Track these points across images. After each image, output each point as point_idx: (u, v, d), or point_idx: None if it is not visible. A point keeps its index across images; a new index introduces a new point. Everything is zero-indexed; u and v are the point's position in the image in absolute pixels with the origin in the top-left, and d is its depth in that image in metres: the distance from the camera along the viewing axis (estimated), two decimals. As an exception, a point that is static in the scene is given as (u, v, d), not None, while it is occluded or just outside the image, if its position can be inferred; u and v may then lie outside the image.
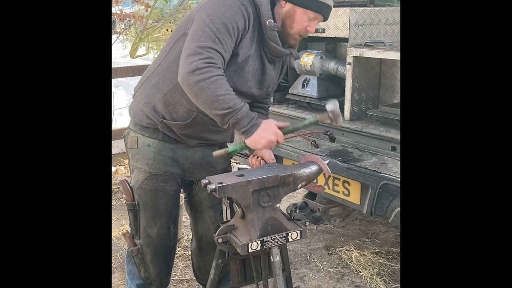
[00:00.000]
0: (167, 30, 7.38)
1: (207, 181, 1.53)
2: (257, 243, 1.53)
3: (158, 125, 1.76)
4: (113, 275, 2.69)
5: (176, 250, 2.83)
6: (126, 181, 1.87)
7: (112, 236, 3.15)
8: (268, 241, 1.55)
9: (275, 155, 2.51)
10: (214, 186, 1.50)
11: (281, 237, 1.57)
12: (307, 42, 2.78)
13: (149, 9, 6.85)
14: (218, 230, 1.61)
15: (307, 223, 1.66)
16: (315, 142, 2.39)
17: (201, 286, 2.22)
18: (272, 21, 1.64)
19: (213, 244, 1.76)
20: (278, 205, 1.61)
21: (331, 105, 1.64)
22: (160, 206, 1.83)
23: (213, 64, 1.51)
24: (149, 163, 1.79)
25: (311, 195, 2.61)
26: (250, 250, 1.53)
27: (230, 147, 1.74)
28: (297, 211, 1.70)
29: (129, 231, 1.92)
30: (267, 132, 1.58)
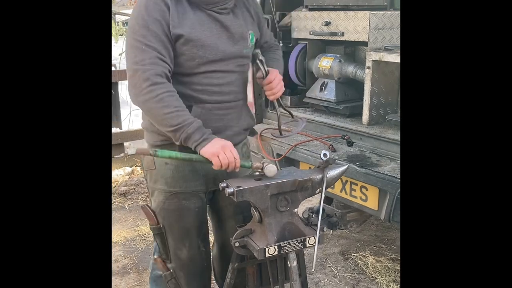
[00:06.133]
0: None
1: (225, 184, 1.53)
2: (274, 247, 1.52)
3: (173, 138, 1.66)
4: (127, 276, 2.71)
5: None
6: (147, 205, 1.79)
7: (127, 237, 3.17)
8: (285, 246, 1.54)
9: (291, 159, 2.52)
10: (232, 190, 1.49)
11: (298, 242, 1.56)
12: (326, 46, 2.76)
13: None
14: (235, 234, 1.60)
15: (325, 229, 1.64)
16: (332, 146, 2.37)
17: None
18: None
19: (230, 253, 1.74)
20: (296, 210, 1.60)
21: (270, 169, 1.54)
22: (186, 226, 1.74)
23: (153, 78, 1.49)
24: (168, 182, 1.70)
25: (327, 200, 2.59)
26: (267, 255, 1.52)
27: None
28: (313, 216, 1.67)
29: (160, 256, 1.84)
30: (223, 149, 1.53)
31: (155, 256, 1.86)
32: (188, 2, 1.58)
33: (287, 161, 2.48)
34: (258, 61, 1.68)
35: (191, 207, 1.73)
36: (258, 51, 1.71)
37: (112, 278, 2.64)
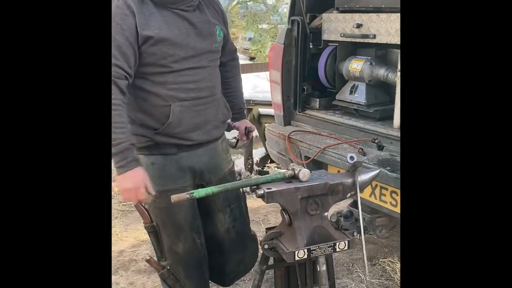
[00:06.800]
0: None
1: (256, 186, 1.53)
2: (303, 251, 1.51)
3: (155, 139, 1.71)
4: (154, 274, 2.73)
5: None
6: (141, 204, 1.78)
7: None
8: (315, 250, 1.52)
9: (319, 162, 2.50)
10: (262, 192, 1.49)
11: (328, 247, 1.54)
12: (357, 48, 2.73)
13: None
14: (265, 236, 1.60)
15: (355, 234, 1.62)
16: (362, 149, 2.34)
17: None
18: None
19: (219, 246, 1.85)
20: (326, 213, 1.58)
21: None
22: (179, 221, 1.78)
23: (114, 89, 1.54)
24: (156, 181, 1.71)
25: (355, 204, 2.55)
26: (296, 258, 1.51)
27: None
28: (342, 220, 1.66)
29: (152, 257, 1.86)
30: (129, 181, 1.58)
31: (148, 258, 1.85)
32: (153, 3, 1.62)
33: (315, 164, 2.46)
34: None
35: (182, 203, 1.72)
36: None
37: (139, 276, 2.68)
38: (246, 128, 2.00)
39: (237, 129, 2.04)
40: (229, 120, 1.98)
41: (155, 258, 1.87)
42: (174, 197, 1.44)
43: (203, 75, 1.72)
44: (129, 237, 3.02)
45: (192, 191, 1.47)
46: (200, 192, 1.48)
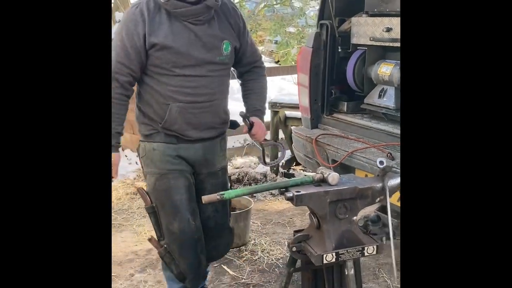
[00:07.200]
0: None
1: (285, 189, 1.55)
2: (332, 254, 1.52)
3: (158, 129, 1.92)
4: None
5: (243, 253, 2.90)
6: (142, 188, 2.00)
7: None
8: (343, 253, 1.53)
9: (347, 165, 2.49)
10: (291, 194, 1.50)
11: (356, 251, 1.54)
12: (386, 52, 2.72)
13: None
14: (293, 238, 1.61)
15: (383, 239, 1.62)
16: (390, 154, 2.33)
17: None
18: None
19: (209, 231, 2.03)
20: (354, 217, 1.58)
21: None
22: (176, 203, 1.93)
23: (114, 83, 1.80)
24: (157, 165, 1.93)
25: (383, 209, 2.54)
26: (324, 261, 1.52)
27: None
28: (370, 224, 1.66)
29: (153, 237, 2.02)
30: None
31: (149, 237, 2.04)
32: (167, 14, 1.81)
33: (343, 168, 2.46)
34: (243, 118, 1.95)
35: (180, 185, 1.93)
36: (243, 112, 1.98)
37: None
38: (250, 123, 1.99)
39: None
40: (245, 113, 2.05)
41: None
42: (205, 198, 1.51)
43: (202, 82, 1.86)
44: (156, 236, 3.08)
45: (222, 192, 1.51)
46: (231, 194, 1.51)
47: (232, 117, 2.09)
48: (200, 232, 2.00)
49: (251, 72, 2.11)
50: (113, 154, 1.86)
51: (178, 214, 1.93)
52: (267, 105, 4.24)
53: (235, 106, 2.24)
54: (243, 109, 2.08)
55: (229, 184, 2.16)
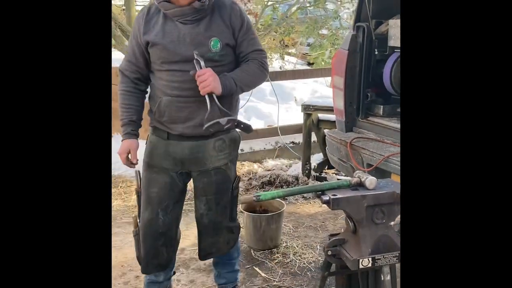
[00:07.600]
0: (273, 39, 7.53)
1: (321, 192, 1.54)
2: (368, 259, 1.50)
3: (154, 122, 2.07)
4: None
5: (275, 256, 2.90)
6: (138, 171, 2.15)
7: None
8: (379, 259, 1.51)
9: (382, 170, 2.45)
10: (327, 198, 1.49)
11: (393, 257, 1.52)
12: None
13: (256, 18, 7.04)
14: (329, 242, 1.60)
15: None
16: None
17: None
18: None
19: (197, 226, 2.13)
20: (392, 223, 1.56)
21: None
22: (151, 194, 2.07)
23: (121, 77, 2.06)
24: (148, 155, 2.09)
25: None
26: (360, 266, 1.50)
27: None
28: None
29: (137, 216, 2.17)
30: (120, 148, 2.06)
31: (134, 215, 2.20)
32: (164, 15, 1.97)
33: (378, 172, 2.43)
34: (194, 61, 1.89)
35: (159, 180, 2.06)
36: (196, 52, 1.90)
37: (199, 274, 2.75)
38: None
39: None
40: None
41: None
42: (242, 199, 1.52)
43: (188, 77, 1.93)
44: (190, 235, 3.10)
45: (259, 194, 1.51)
46: (267, 195, 1.52)
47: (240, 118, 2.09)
48: (168, 227, 2.09)
49: (247, 60, 2.06)
50: (131, 141, 2.05)
51: (149, 207, 2.07)
52: (299, 107, 4.26)
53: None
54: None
55: (232, 184, 2.12)
